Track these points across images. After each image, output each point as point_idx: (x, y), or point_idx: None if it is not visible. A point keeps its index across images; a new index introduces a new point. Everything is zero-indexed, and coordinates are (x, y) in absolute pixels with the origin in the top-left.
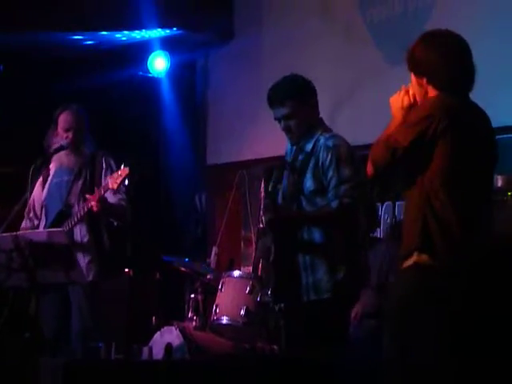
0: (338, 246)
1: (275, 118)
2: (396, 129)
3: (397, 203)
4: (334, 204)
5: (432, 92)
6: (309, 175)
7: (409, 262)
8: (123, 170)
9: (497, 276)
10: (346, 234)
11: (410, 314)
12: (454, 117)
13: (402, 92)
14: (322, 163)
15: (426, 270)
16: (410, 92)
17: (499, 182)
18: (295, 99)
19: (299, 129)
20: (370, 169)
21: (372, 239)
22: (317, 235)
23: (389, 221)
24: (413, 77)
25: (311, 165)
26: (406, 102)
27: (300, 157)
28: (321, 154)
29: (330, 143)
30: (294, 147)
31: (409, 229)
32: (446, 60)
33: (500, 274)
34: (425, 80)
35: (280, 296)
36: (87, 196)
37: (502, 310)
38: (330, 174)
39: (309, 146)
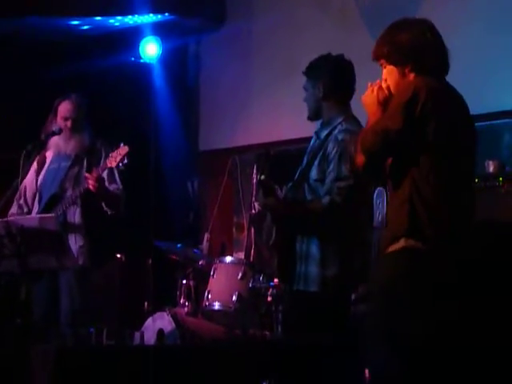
0: (330, 243)
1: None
2: (379, 119)
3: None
4: (325, 200)
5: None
6: (316, 163)
7: (396, 247)
8: (122, 149)
9: (489, 262)
10: (340, 232)
11: (396, 297)
12: (437, 98)
13: (375, 87)
14: (328, 155)
15: (414, 254)
16: (384, 85)
17: (490, 167)
18: (315, 75)
19: (308, 103)
20: (360, 159)
21: None
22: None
23: (381, 206)
24: (390, 68)
25: (320, 154)
26: (381, 96)
27: (315, 143)
28: (329, 145)
29: (340, 136)
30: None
31: (395, 213)
32: (432, 44)
33: (492, 260)
34: (409, 67)
35: (283, 277)
36: (86, 175)
37: (492, 294)
38: (331, 167)
39: (324, 133)
